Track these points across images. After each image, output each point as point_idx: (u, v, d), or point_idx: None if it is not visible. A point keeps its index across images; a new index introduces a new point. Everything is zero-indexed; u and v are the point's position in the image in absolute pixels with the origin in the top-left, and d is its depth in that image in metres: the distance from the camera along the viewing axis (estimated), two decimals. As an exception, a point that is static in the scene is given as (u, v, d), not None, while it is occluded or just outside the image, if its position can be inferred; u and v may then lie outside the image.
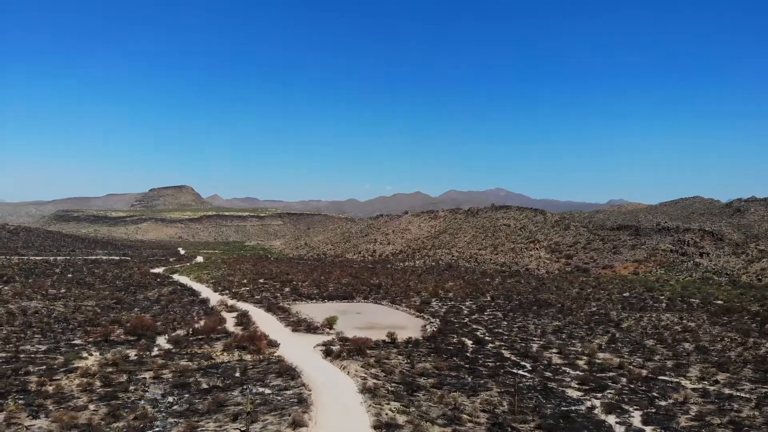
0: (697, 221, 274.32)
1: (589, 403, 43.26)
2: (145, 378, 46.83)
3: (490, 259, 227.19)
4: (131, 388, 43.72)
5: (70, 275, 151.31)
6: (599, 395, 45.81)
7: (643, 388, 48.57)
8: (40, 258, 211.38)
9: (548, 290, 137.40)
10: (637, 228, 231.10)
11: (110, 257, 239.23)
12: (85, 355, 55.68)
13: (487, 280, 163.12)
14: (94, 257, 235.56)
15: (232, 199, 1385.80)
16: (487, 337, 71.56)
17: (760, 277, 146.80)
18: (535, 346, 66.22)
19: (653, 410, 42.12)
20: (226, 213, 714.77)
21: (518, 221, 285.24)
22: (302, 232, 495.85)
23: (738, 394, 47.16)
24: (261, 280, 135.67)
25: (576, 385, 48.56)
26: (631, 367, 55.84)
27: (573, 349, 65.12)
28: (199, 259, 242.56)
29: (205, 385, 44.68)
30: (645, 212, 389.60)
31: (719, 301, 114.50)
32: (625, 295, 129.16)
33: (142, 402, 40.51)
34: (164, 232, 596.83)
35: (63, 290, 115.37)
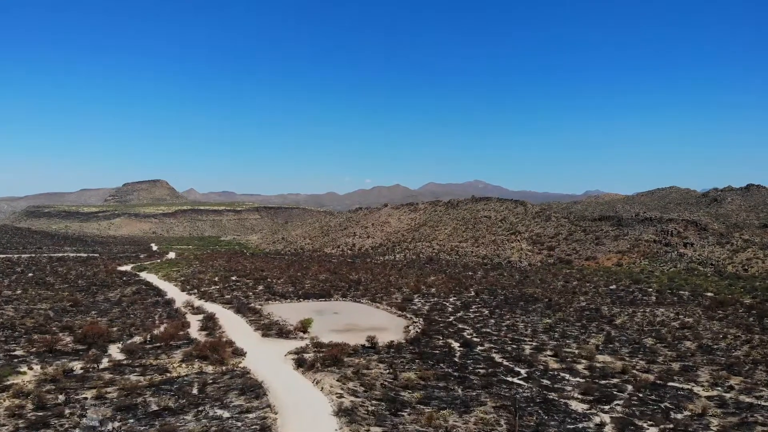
0: (674, 211, 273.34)
1: (597, 419, 37.98)
2: (85, 398, 40.43)
3: (472, 252, 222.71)
4: (67, 412, 37.33)
5: (30, 274, 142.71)
6: (607, 408, 40.63)
7: (653, 397, 43.56)
8: (4, 256, 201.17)
9: (533, 283, 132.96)
10: (619, 218, 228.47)
11: (78, 254, 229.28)
12: (24, 369, 48.89)
13: (470, 273, 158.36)
14: (61, 254, 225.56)
15: (208, 193, 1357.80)
16: (474, 339, 66.23)
17: (746, 267, 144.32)
18: (527, 348, 61.03)
19: (670, 425, 37.03)
20: (202, 207, 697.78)
21: (499, 213, 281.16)
22: (280, 226, 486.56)
23: (758, 402, 42.45)
24: (233, 278, 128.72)
25: (579, 396, 43.32)
26: (635, 371, 50.87)
27: (569, 350, 60.03)
28: (171, 255, 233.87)
29: (154, 407, 38.44)
30: (622, 203, 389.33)
31: (710, 293, 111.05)
32: (612, 287, 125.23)
33: (77, 431, 34.27)
34: (138, 228, 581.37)
35: (19, 291, 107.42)
